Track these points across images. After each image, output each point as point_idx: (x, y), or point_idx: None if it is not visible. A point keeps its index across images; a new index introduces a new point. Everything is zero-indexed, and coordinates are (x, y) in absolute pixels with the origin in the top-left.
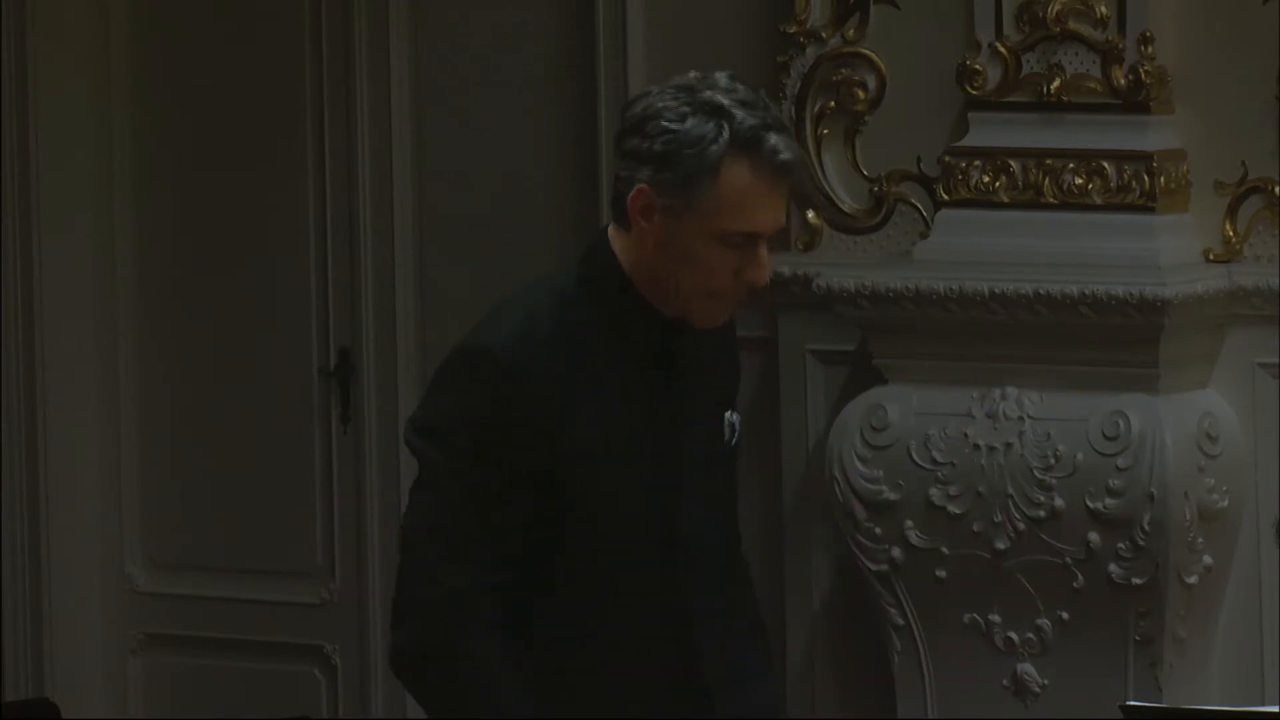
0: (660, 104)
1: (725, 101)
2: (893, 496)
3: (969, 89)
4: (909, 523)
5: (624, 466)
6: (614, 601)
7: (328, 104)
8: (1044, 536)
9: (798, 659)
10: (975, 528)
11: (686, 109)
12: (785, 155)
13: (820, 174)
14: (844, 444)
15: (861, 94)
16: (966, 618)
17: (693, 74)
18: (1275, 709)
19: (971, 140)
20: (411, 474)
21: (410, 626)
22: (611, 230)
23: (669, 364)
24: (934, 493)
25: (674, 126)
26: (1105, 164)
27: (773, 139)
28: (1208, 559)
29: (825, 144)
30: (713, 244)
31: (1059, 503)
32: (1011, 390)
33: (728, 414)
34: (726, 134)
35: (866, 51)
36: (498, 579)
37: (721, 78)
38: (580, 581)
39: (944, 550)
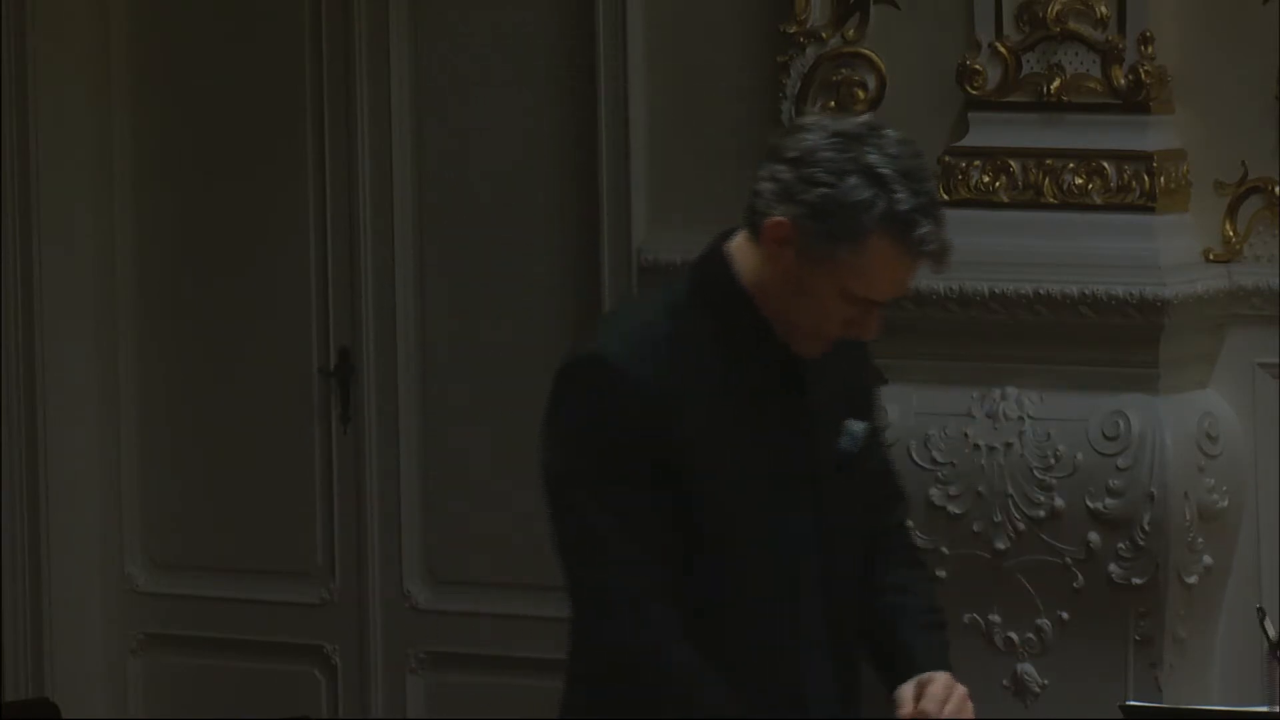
0: (823, 151)
1: (888, 172)
2: None
3: (969, 89)
4: (909, 523)
5: (741, 479)
6: (730, 618)
7: (328, 104)
8: (1044, 536)
9: None
10: (975, 528)
11: (849, 167)
12: (932, 246)
13: None
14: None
15: (861, 94)
16: (966, 618)
17: (865, 118)
18: (1275, 709)
19: (971, 140)
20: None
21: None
22: (740, 239)
23: (790, 378)
24: (934, 493)
25: (831, 181)
26: (1105, 164)
27: (925, 227)
28: (1208, 559)
29: None
30: (835, 296)
31: (1059, 503)
32: (1011, 390)
33: (850, 422)
34: (881, 208)
35: (866, 51)
36: (670, 582)
37: (891, 136)
38: (702, 590)
39: (944, 550)
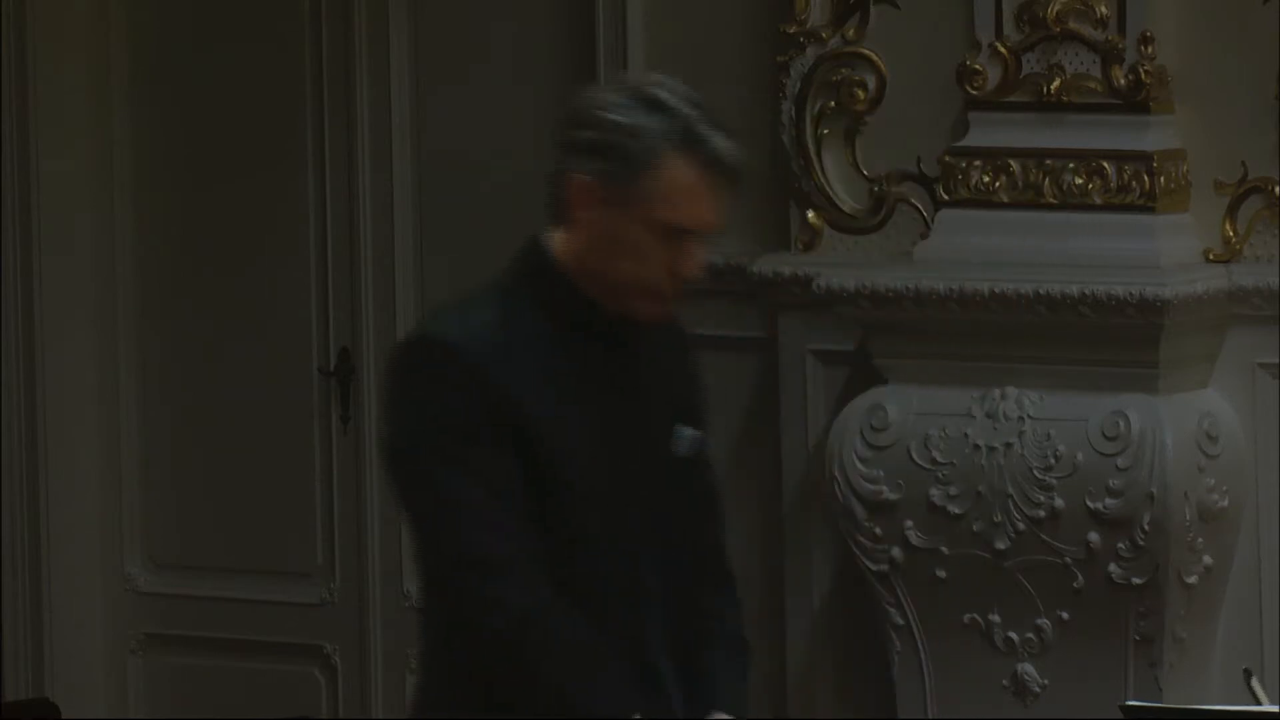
0: (602, 98)
1: (670, 98)
2: (893, 496)
3: (969, 89)
4: (909, 523)
5: (582, 457)
6: (579, 584)
7: (328, 104)
8: (1044, 536)
9: (798, 659)
10: (975, 528)
11: (629, 102)
12: (730, 158)
13: (820, 174)
14: (844, 444)
15: (861, 94)
16: (966, 618)
17: (638, 76)
18: (1275, 709)
19: (971, 140)
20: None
21: (493, 654)
22: (551, 231)
23: (620, 359)
24: (934, 493)
25: (616, 117)
26: (1105, 164)
27: (718, 140)
28: (1208, 559)
29: (825, 144)
30: (648, 235)
31: (1059, 503)
32: (1011, 390)
33: (681, 427)
34: (670, 127)
35: (866, 51)
36: (539, 547)
37: (667, 79)
38: (554, 560)
39: (944, 550)
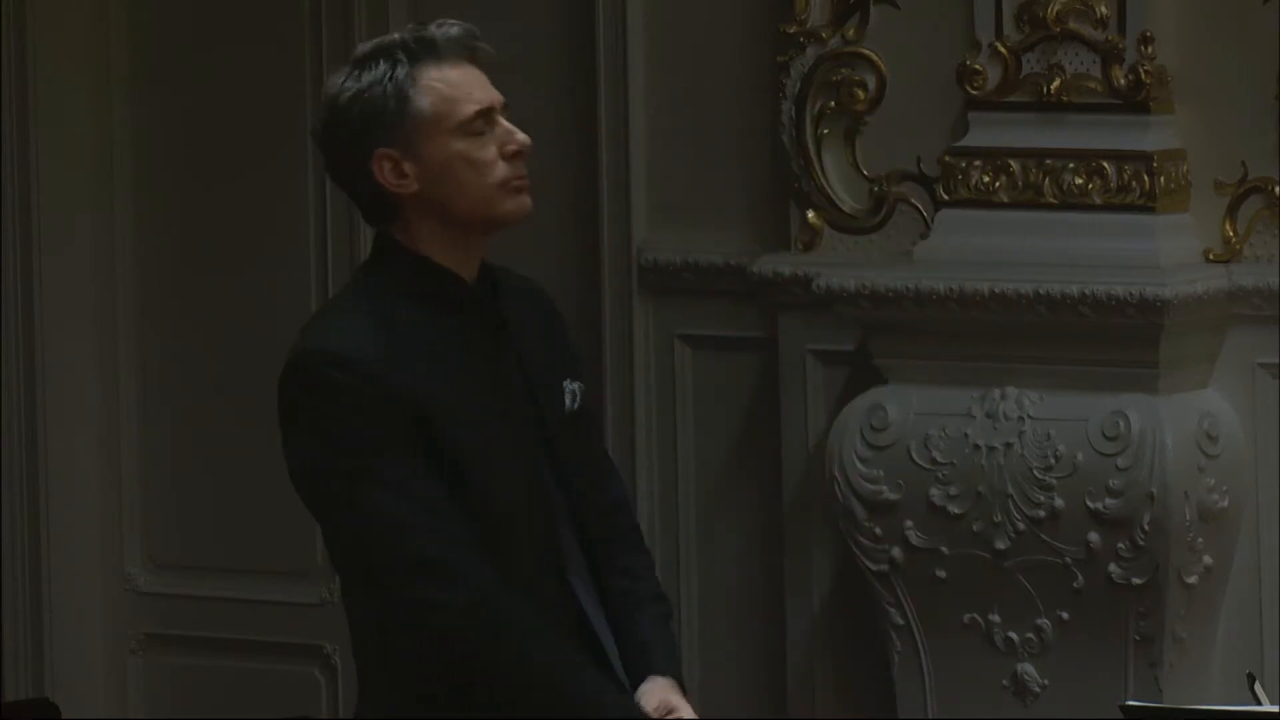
0: (333, 88)
1: (374, 44)
2: (893, 496)
3: (969, 89)
4: (909, 523)
5: (484, 433)
6: (510, 562)
7: None
8: (1044, 536)
9: (798, 659)
10: (975, 528)
11: (353, 70)
12: (453, 30)
13: (820, 174)
14: (844, 444)
15: (861, 94)
16: (966, 618)
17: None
18: (1275, 709)
19: (971, 140)
20: None
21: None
22: (385, 230)
23: (493, 329)
24: (934, 493)
25: (355, 85)
26: (1105, 164)
27: (434, 29)
28: (1208, 559)
29: (825, 144)
30: (463, 143)
31: (1059, 503)
32: (1011, 390)
33: (566, 382)
34: (398, 56)
35: (866, 51)
36: (465, 536)
37: (359, 44)
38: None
39: (944, 550)
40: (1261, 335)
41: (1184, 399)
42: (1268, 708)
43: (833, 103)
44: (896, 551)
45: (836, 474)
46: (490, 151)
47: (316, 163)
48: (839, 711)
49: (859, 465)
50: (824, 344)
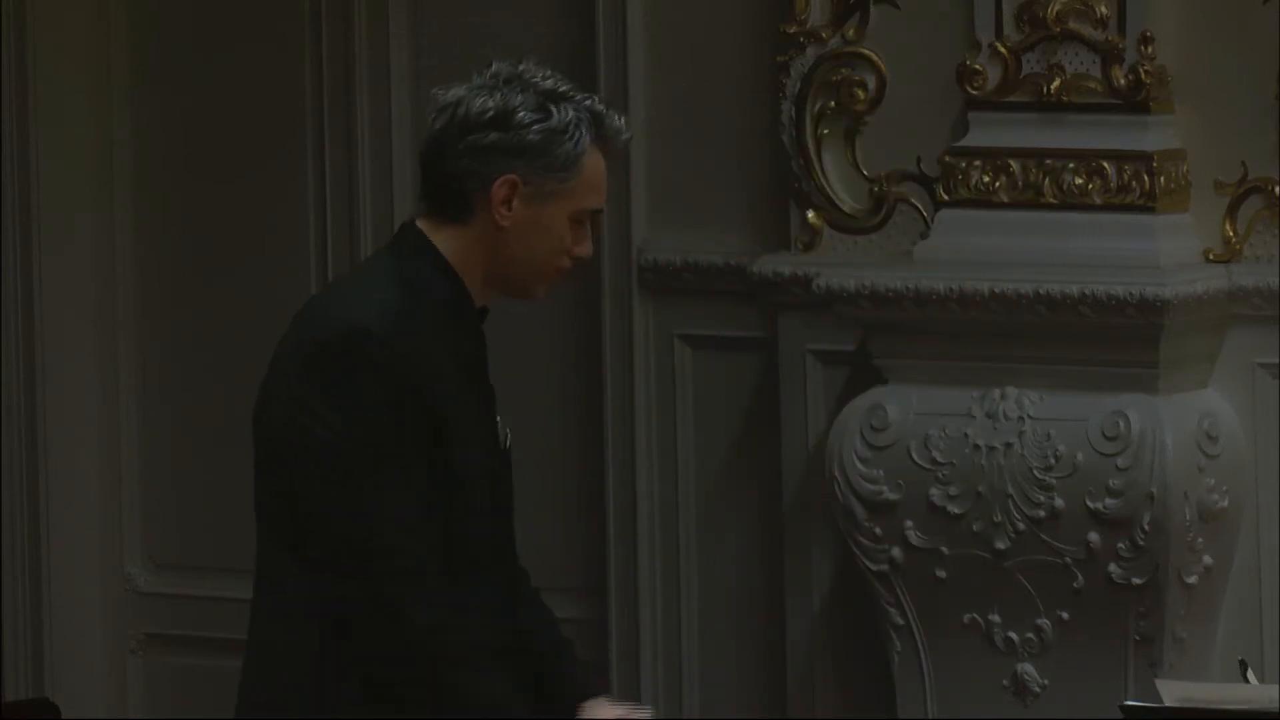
0: (507, 101)
1: (564, 88)
2: (893, 496)
3: (969, 89)
4: (909, 523)
5: (478, 449)
6: (475, 583)
7: (328, 104)
8: (1044, 536)
9: (798, 659)
10: (975, 528)
11: (538, 99)
12: (627, 135)
13: (820, 174)
14: (844, 444)
15: (861, 94)
16: (966, 618)
17: (494, 65)
18: (1275, 708)
19: (971, 140)
20: None
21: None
22: (425, 223)
23: (481, 350)
24: (934, 493)
25: (541, 117)
26: (1105, 164)
27: (616, 120)
28: (1208, 559)
29: (825, 144)
30: (566, 223)
31: (1059, 503)
32: (1011, 390)
33: (500, 420)
34: (585, 119)
35: (866, 51)
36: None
37: (529, 64)
38: (450, 549)
39: (944, 550)
40: (1261, 335)
41: (1184, 399)
42: (1263, 687)
43: (833, 103)
44: (896, 551)
45: (836, 474)
46: (567, 240)
47: (316, 163)
48: (839, 711)
49: (859, 465)
50: (824, 344)
